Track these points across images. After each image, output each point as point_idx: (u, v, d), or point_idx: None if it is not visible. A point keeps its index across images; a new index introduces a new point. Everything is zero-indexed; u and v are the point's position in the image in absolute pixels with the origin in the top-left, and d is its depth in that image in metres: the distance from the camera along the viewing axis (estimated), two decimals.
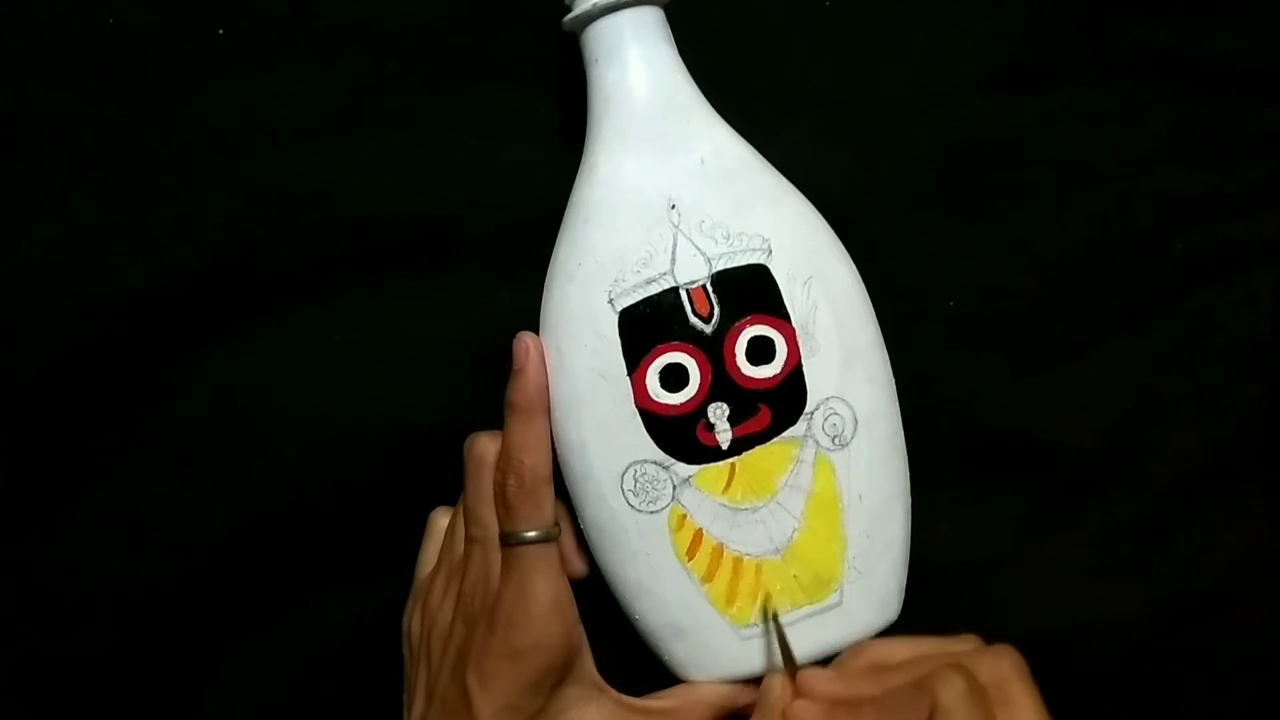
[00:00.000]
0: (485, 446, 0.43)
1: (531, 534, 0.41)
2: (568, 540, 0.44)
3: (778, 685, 0.40)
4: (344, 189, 0.49)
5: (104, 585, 0.50)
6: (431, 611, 0.44)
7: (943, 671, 0.36)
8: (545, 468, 0.42)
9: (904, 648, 0.41)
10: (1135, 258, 0.50)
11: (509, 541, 0.41)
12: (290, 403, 0.50)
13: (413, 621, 0.45)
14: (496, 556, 0.42)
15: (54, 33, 0.49)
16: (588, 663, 0.43)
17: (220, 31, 0.49)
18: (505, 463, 0.42)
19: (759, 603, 0.41)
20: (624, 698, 0.43)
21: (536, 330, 0.43)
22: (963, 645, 0.40)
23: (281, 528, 0.50)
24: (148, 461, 0.50)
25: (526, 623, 0.40)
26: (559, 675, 0.41)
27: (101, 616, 0.50)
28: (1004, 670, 0.38)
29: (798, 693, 0.39)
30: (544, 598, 0.40)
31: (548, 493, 0.42)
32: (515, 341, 0.42)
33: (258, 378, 0.50)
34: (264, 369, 0.50)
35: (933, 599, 0.44)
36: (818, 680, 0.39)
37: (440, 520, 0.47)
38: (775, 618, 0.41)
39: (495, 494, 0.42)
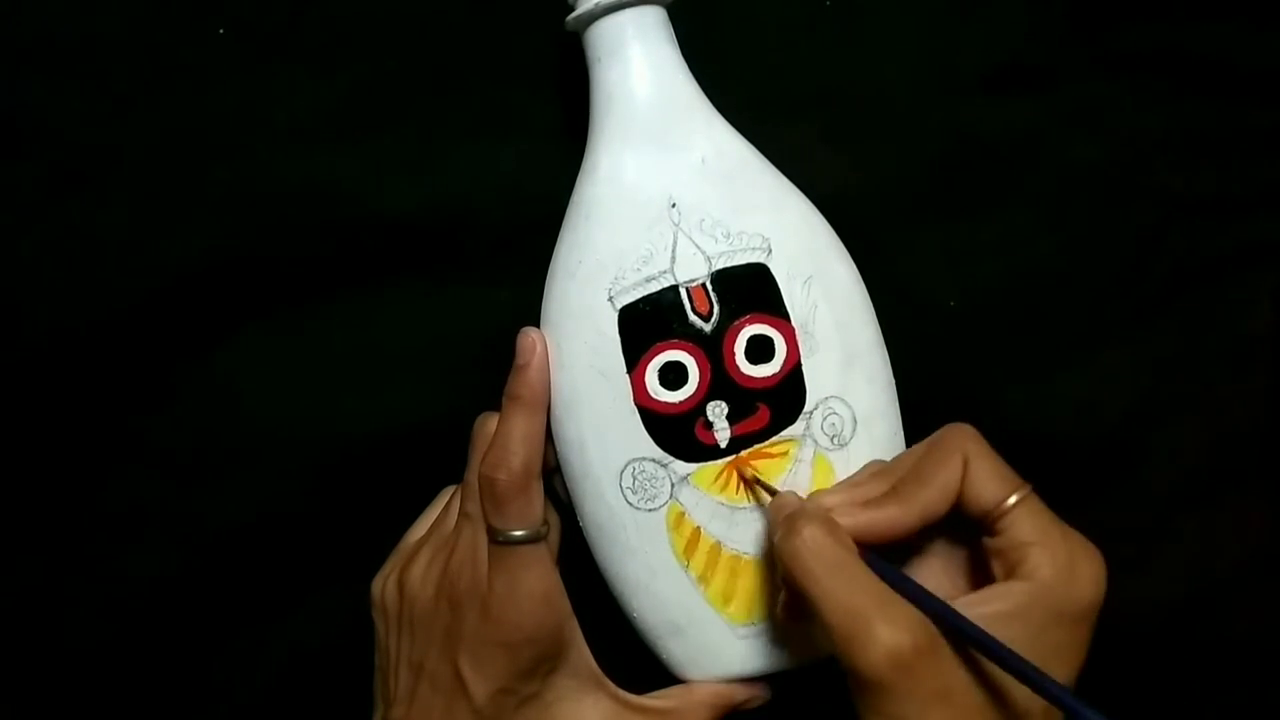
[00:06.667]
0: (494, 426, 0.42)
1: (519, 533, 0.40)
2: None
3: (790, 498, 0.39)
4: (344, 189, 0.49)
5: (104, 584, 0.50)
6: (412, 583, 0.43)
7: (950, 428, 0.38)
8: (536, 464, 0.41)
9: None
10: (1135, 258, 0.50)
11: (497, 539, 0.41)
12: (290, 403, 0.50)
13: (387, 586, 0.44)
14: (485, 538, 0.41)
15: (54, 33, 0.49)
16: (584, 654, 0.43)
17: (220, 31, 0.49)
18: (497, 455, 0.41)
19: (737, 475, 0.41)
20: (621, 693, 0.43)
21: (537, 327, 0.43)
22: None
23: (282, 527, 0.50)
24: (149, 462, 0.50)
25: (517, 618, 0.40)
26: (553, 662, 0.41)
27: (101, 614, 0.50)
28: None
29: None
30: (535, 593, 0.41)
31: (537, 489, 0.41)
32: (520, 336, 0.42)
33: (258, 378, 0.50)
34: (264, 369, 0.50)
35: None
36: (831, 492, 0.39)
37: (446, 496, 0.46)
38: (754, 479, 0.41)
39: (483, 487, 0.41)
